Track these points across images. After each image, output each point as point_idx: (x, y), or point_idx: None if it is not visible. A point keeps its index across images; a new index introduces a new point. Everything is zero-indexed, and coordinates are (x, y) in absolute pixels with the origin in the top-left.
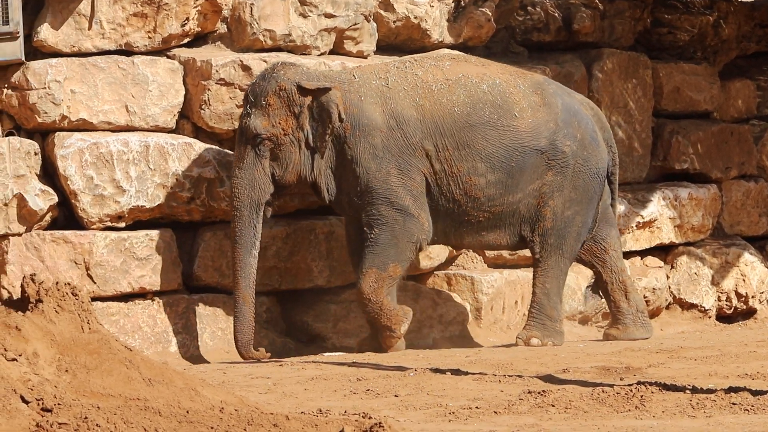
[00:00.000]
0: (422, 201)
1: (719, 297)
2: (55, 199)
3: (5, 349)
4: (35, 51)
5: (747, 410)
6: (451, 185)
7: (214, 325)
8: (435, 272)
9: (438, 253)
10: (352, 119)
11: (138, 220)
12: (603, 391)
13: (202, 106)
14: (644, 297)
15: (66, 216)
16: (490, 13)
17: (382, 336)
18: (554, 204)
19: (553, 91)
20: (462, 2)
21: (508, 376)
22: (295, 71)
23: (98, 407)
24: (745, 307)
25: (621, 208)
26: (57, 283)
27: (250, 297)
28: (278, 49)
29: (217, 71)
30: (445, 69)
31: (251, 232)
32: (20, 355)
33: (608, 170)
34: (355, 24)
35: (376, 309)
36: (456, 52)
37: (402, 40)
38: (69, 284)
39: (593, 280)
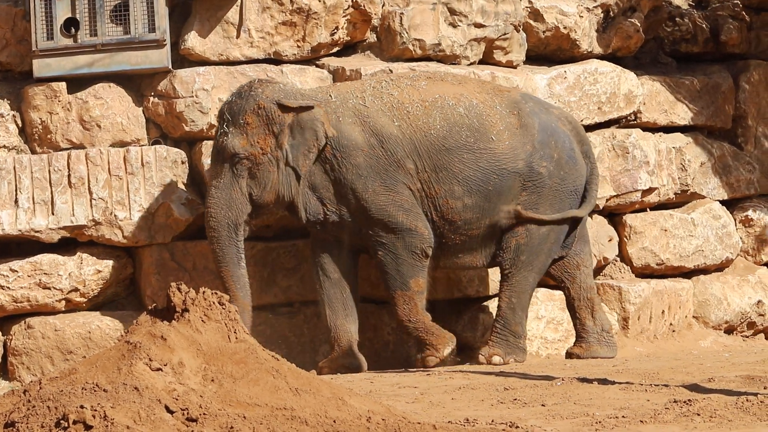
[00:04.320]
0: (416, 211)
1: None
2: (202, 208)
3: (150, 359)
4: (182, 59)
5: None
6: (429, 206)
7: (361, 334)
8: None
9: None
10: (332, 141)
11: (286, 229)
12: (747, 400)
13: None
14: None
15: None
16: (639, 24)
17: (423, 353)
18: (528, 221)
19: (530, 110)
20: (611, 13)
21: (655, 385)
22: (273, 89)
23: (244, 417)
24: None
25: (767, 218)
26: (203, 292)
27: (249, 305)
28: (427, 58)
29: None
30: (422, 89)
31: (233, 249)
32: (165, 365)
33: (585, 182)
34: (505, 34)
35: (420, 327)
36: (435, 70)
37: (551, 50)
38: (215, 293)
39: None
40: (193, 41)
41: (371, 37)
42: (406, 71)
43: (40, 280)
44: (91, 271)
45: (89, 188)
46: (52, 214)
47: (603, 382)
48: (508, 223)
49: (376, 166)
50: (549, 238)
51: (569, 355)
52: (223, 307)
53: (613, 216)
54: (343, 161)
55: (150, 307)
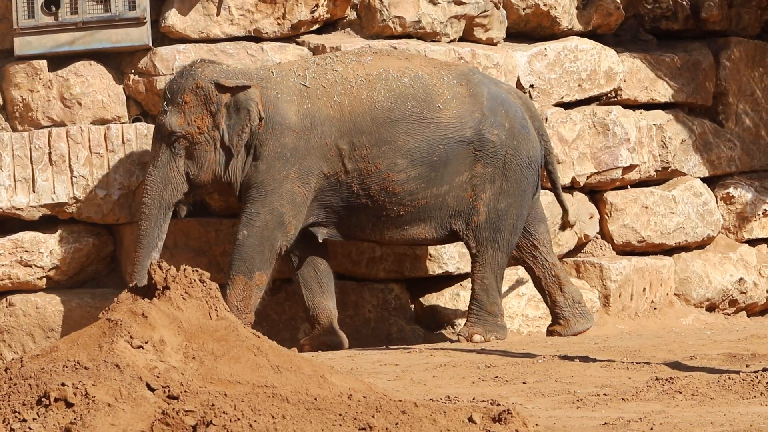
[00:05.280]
0: (301, 210)
1: None
2: None
3: (131, 337)
4: (162, 37)
5: None
6: (367, 182)
7: (342, 312)
8: (564, 259)
9: (567, 240)
10: (267, 117)
11: None
12: (729, 378)
13: None
14: None
15: (195, 202)
16: (619, 1)
17: None
18: (486, 197)
19: (479, 80)
20: None
21: (636, 363)
22: (214, 69)
23: (225, 394)
24: None
25: (748, 195)
26: (184, 270)
27: None
28: (408, 36)
29: None
30: (366, 64)
31: (155, 233)
32: (146, 343)
33: (541, 161)
34: (485, 11)
35: (250, 318)
36: (382, 47)
37: (531, 28)
38: (196, 271)
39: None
40: (173, 19)
41: (351, 14)
42: (351, 49)
43: (21, 257)
44: (72, 249)
45: (70, 166)
46: (33, 191)
47: (584, 359)
48: (465, 197)
49: (301, 150)
50: (510, 213)
51: (550, 333)
52: (204, 284)
53: (594, 193)
54: (272, 137)
55: (131, 285)
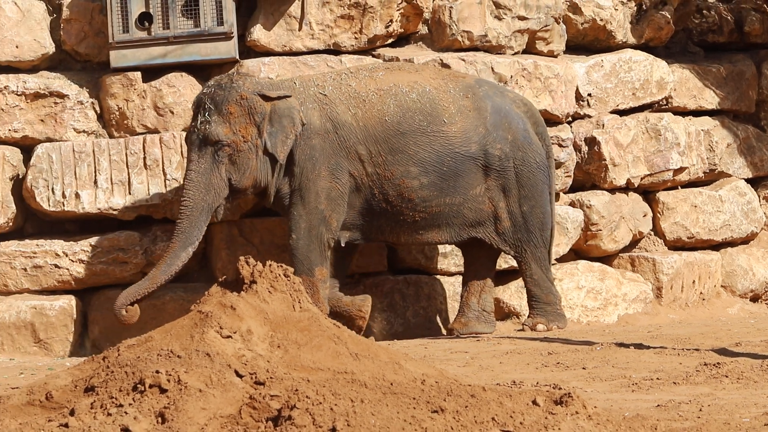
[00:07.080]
0: (339, 203)
1: None
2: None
3: (221, 327)
4: (248, 50)
5: None
6: (385, 187)
7: (416, 303)
8: (620, 254)
9: (623, 236)
10: None
11: None
12: None
13: None
14: None
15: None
16: (669, 16)
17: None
18: (505, 205)
19: (484, 93)
20: (644, 6)
21: (686, 349)
22: (252, 81)
23: (308, 380)
24: None
25: None
26: (270, 265)
27: (160, 281)
28: (475, 49)
29: None
30: (378, 79)
31: (195, 233)
32: (235, 333)
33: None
34: (546, 26)
35: (325, 310)
36: (400, 63)
37: (589, 41)
38: (281, 266)
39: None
40: (258, 33)
41: (423, 29)
42: (365, 65)
43: (117, 255)
44: (165, 247)
45: (163, 170)
46: (129, 193)
47: (639, 346)
48: (483, 209)
49: (327, 150)
50: (534, 213)
51: (450, 331)
52: (288, 279)
53: (647, 193)
54: (301, 142)
55: (220, 279)
